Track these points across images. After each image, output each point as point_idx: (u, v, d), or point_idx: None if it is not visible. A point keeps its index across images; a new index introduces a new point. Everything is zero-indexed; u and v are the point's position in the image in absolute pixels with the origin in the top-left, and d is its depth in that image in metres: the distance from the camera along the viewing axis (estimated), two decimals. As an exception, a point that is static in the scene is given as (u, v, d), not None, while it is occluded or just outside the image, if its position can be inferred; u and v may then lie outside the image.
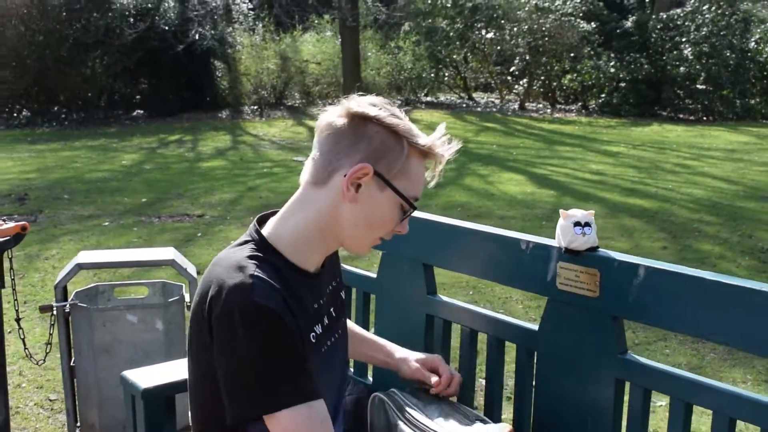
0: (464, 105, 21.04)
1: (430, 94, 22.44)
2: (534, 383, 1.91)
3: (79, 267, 3.37)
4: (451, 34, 20.71)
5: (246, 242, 1.60)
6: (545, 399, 1.87)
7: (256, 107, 19.38)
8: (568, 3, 20.40)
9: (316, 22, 23.37)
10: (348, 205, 1.56)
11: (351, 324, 2.03)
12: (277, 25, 22.16)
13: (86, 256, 3.46)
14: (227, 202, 9.03)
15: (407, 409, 1.80)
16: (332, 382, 1.72)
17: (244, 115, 18.42)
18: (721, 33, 18.55)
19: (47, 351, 3.65)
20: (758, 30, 19.33)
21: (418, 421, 1.75)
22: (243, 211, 8.45)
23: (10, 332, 4.20)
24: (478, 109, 20.19)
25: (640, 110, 18.37)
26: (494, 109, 20.07)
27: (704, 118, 18.09)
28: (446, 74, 22.50)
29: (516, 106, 20.49)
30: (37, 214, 8.28)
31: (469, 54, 22.04)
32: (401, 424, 1.78)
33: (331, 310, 1.72)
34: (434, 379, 1.85)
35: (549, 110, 19.90)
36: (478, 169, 11.00)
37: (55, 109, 18.25)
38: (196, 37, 18.09)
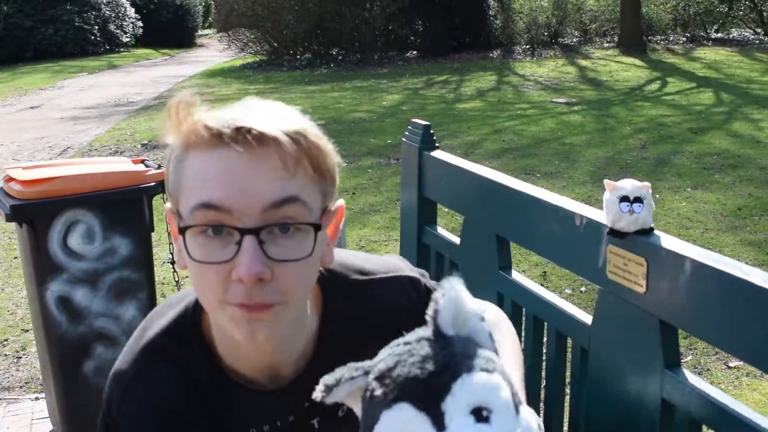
0: (758, 41, 19.16)
1: (720, 30, 20.69)
2: (579, 387, 1.59)
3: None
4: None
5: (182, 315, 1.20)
6: (590, 407, 1.54)
7: (528, 46, 18.89)
8: None
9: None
10: None
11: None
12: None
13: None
14: (468, 144, 8.86)
15: None
16: None
17: (515, 55, 18.01)
18: None
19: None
20: None
21: None
22: (482, 154, 8.23)
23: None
24: (773, 45, 18.32)
25: None
26: (792, 45, 18.12)
27: None
28: (740, 7, 20.60)
29: (820, 40, 18.38)
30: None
31: (767, -16, 20.02)
32: None
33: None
34: None
35: None
36: (752, 113, 9.94)
37: (334, 51, 18.93)
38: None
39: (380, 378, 0.91)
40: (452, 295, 0.90)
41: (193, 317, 1.17)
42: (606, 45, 18.86)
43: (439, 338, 0.91)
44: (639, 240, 1.36)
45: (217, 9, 22.66)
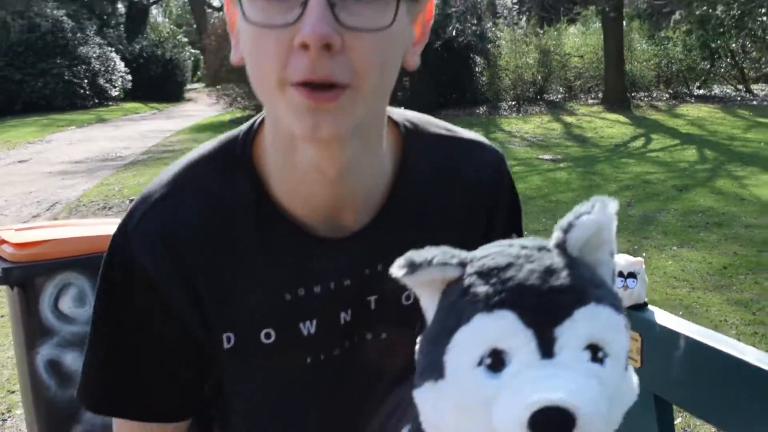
0: (739, 98, 19.45)
1: (703, 87, 21.00)
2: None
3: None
4: (727, 21, 19.22)
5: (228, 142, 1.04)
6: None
7: (514, 103, 19.10)
8: None
9: (582, 13, 22.68)
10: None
11: None
12: (541, 18, 21.76)
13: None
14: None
15: None
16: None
17: (501, 111, 18.19)
18: None
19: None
20: None
21: None
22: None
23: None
24: (754, 102, 18.57)
25: None
26: (774, 102, 18.40)
27: None
28: (721, 65, 20.94)
29: (800, 98, 18.67)
30: None
31: (747, 42, 20.36)
32: None
33: (342, 313, 1.03)
34: None
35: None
36: (735, 171, 10.05)
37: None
38: (453, 33, 18.13)
39: (485, 274, 0.75)
40: (598, 219, 0.76)
41: (244, 142, 1.00)
42: (591, 101, 19.09)
43: (564, 255, 0.77)
44: (633, 315, 1.39)
45: (206, 64, 22.82)
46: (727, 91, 20.85)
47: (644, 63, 20.43)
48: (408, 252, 0.76)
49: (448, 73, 18.68)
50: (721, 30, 19.25)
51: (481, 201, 1.09)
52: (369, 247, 0.99)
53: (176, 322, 0.97)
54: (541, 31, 21.02)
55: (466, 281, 0.75)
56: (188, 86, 33.33)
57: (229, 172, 0.98)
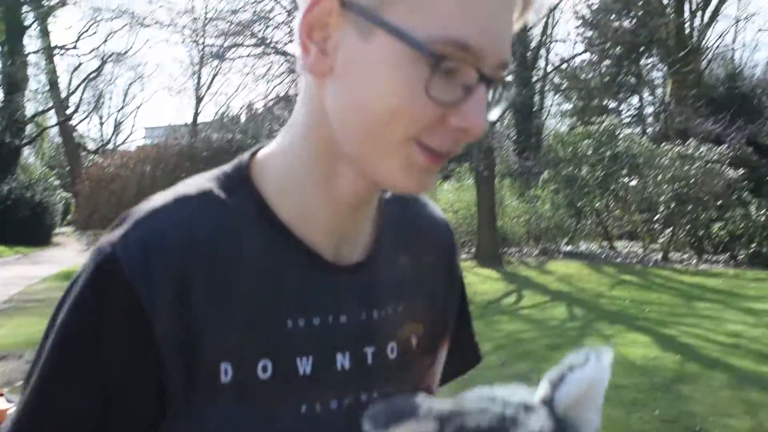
0: (604, 255, 20.32)
1: (570, 243, 21.87)
2: None
3: None
4: (591, 182, 20.28)
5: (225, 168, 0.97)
6: None
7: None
8: (713, 150, 19.66)
9: (456, 170, 23.50)
10: (329, 87, 0.86)
11: None
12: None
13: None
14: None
15: None
16: None
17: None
18: None
19: None
20: None
21: None
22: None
23: None
24: (618, 259, 19.42)
25: (795, 261, 17.19)
26: (635, 260, 19.25)
27: None
28: (587, 223, 21.95)
29: (659, 256, 19.61)
30: None
31: (610, 202, 21.47)
32: None
33: (338, 355, 0.94)
34: None
35: (694, 261, 18.88)
36: (604, 329, 10.35)
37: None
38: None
39: None
40: (591, 376, 0.71)
41: (239, 170, 0.94)
42: (464, 256, 19.53)
43: (551, 416, 0.72)
44: None
45: (77, 209, 22.38)
46: (593, 247, 21.76)
47: (515, 219, 21.20)
48: (381, 404, 0.73)
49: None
50: (586, 190, 20.28)
51: (443, 254, 1.11)
52: (365, 284, 0.96)
53: (150, 363, 0.82)
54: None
55: None
56: (57, 230, 32.44)
57: (232, 188, 0.92)
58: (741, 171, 19.07)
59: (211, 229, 0.88)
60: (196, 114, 34.13)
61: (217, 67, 27.01)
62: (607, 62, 29.94)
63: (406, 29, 0.79)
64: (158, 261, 0.84)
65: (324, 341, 0.92)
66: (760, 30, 43.19)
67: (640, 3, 24.63)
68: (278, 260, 0.90)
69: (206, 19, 25.20)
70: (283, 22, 19.98)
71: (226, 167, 0.95)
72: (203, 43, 25.79)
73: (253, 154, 0.96)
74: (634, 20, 26.04)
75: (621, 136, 20.56)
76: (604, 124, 20.34)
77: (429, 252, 1.09)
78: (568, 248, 21.45)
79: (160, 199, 0.90)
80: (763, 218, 18.11)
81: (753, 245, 18.27)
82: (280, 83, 25.88)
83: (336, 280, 0.94)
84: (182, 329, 0.84)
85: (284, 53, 26.80)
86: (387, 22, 0.80)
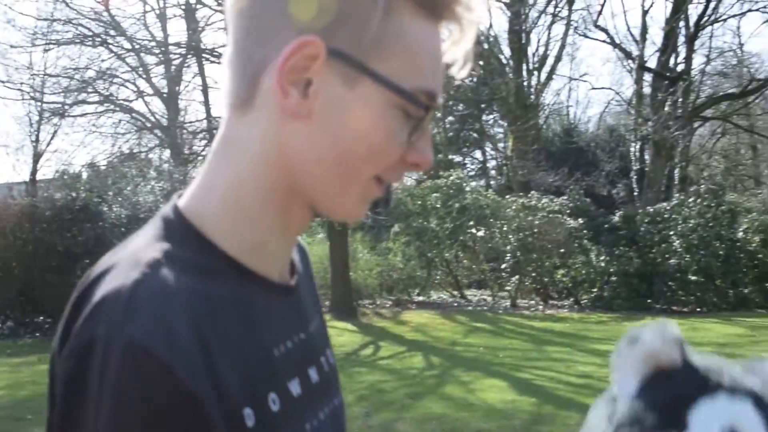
0: (455, 304, 20.80)
1: (422, 294, 22.27)
2: None
3: None
4: (441, 234, 20.80)
5: (154, 226, 0.94)
6: None
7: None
8: (554, 201, 20.62)
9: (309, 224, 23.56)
10: (297, 127, 0.90)
11: None
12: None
13: None
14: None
15: None
16: None
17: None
18: (709, 224, 18.58)
19: None
20: (745, 220, 19.37)
21: None
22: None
23: None
24: (469, 307, 19.93)
25: (633, 304, 18.08)
26: (485, 308, 19.81)
27: (698, 309, 17.82)
28: (438, 273, 22.44)
29: (508, 303, 20.26)
30: (-11, 439, 7.85)
31: (460, 252, 22.06)
32: None
33: (309, 371, 1.01)
34: None
35: (541, 307, 19.64)
36: (461, 376, 10.59)
37: (40, 318, 18.03)
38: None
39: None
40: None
41: (178, 220, 0.93)
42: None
43: None
44: None
45: None
46: (444, 297, 22.24)
47: (368, 272, 21.40)
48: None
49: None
50: (436, 241, 20.78)
51: (309, 265, 1.18)
52: (300, 301, 1.04)
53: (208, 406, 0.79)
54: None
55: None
56: None
57: (181, 242, 0.90)
58: (580, 220, 20.09)
59: (198, 287, 0.86)
60: (35, 171, 32.92)
61: (57, 124, 26.24)
62: (450, 118, 31.01)
63: (396, 81, 0.88)
64: (181, 334, 0.80)
65: (299, 361, 0.99)
66: (592, 88, 45.41)
67: (482, 63, 25.68)
68: (246, 295, 0.92)
69: (45, 75, 24.50)
70: (128, 81, 19.73)
71: (159, 222, 0.94)
72: (42, 99, 25.01)
73: (176, 207, 0.96)
74: (476, 79, 27.18)
75: (468, 188, 21.28)
76: (451, 178, 20.99)
77: (308, 264, 1.18)
78: (421, 298, 21.82)
79: (129, 279, 0.82)
80: (602, 264, 19.07)
81: (594, 290, 19.22)
82: (126, 141, 25.47)
83: (287, 301, 1.01)
84: (216, 400, 0.80)
85: (130, 110, 26.42)
86: (376, 72, 0.88)
